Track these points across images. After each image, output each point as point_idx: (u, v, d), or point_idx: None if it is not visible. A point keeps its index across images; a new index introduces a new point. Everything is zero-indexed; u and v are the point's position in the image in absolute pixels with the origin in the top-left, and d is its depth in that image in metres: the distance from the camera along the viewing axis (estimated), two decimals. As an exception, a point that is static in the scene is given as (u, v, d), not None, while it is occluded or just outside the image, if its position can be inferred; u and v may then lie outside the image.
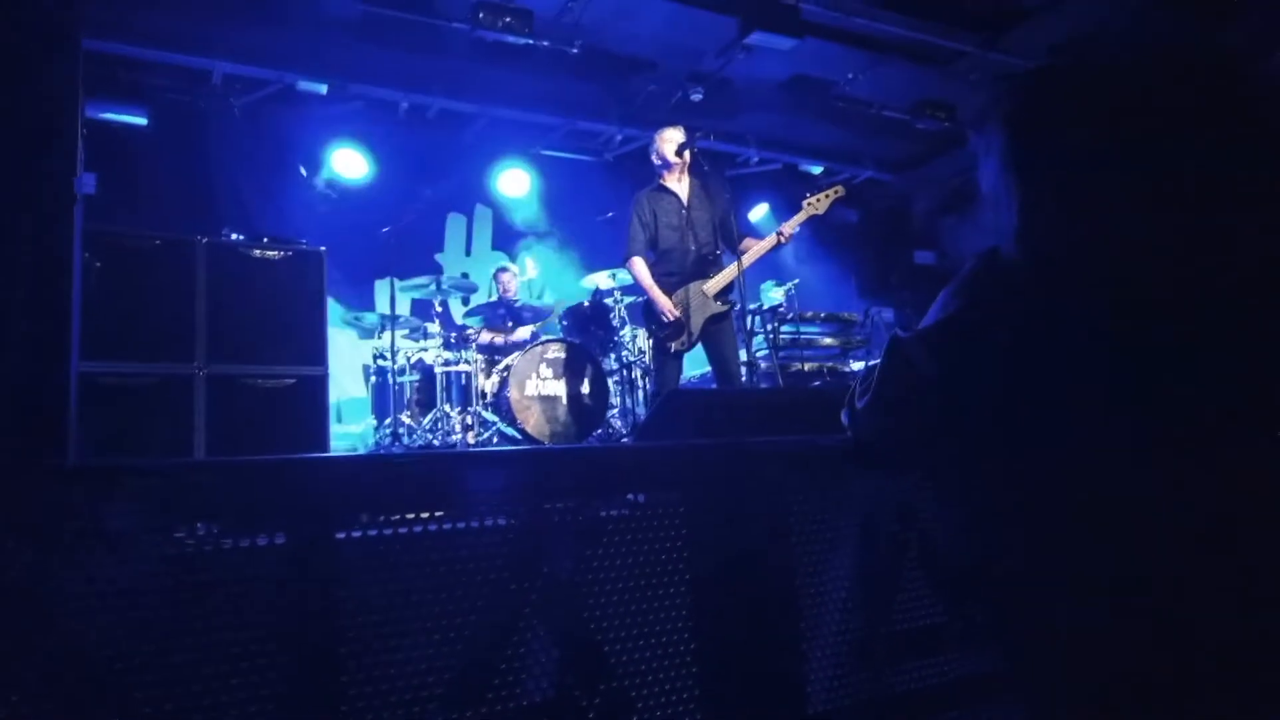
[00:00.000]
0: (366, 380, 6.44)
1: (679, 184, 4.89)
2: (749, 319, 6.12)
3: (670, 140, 4.86)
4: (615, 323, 5.80)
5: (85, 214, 3.07)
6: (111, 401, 3.67)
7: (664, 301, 4.69)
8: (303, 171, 6.90)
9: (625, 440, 5.65)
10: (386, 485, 1.38)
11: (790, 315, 6.56)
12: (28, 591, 1.10)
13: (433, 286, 6.16)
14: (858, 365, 6.80)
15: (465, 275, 6.82)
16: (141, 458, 3.59)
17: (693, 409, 2.40)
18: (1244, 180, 1.07)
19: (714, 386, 5.02)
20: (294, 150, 6.95)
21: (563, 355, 5.65)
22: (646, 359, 5.64)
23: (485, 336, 6.30)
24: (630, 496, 1.60)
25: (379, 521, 1.35)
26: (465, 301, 6.94)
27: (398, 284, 6.02)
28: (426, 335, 6.25)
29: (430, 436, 5.69)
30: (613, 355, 5.90)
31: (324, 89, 6.52)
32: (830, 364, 6.77)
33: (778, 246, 4.69)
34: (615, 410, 5.95)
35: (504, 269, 6.93)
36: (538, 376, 5.55)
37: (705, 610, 1.56)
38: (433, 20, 5.81)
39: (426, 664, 1.32)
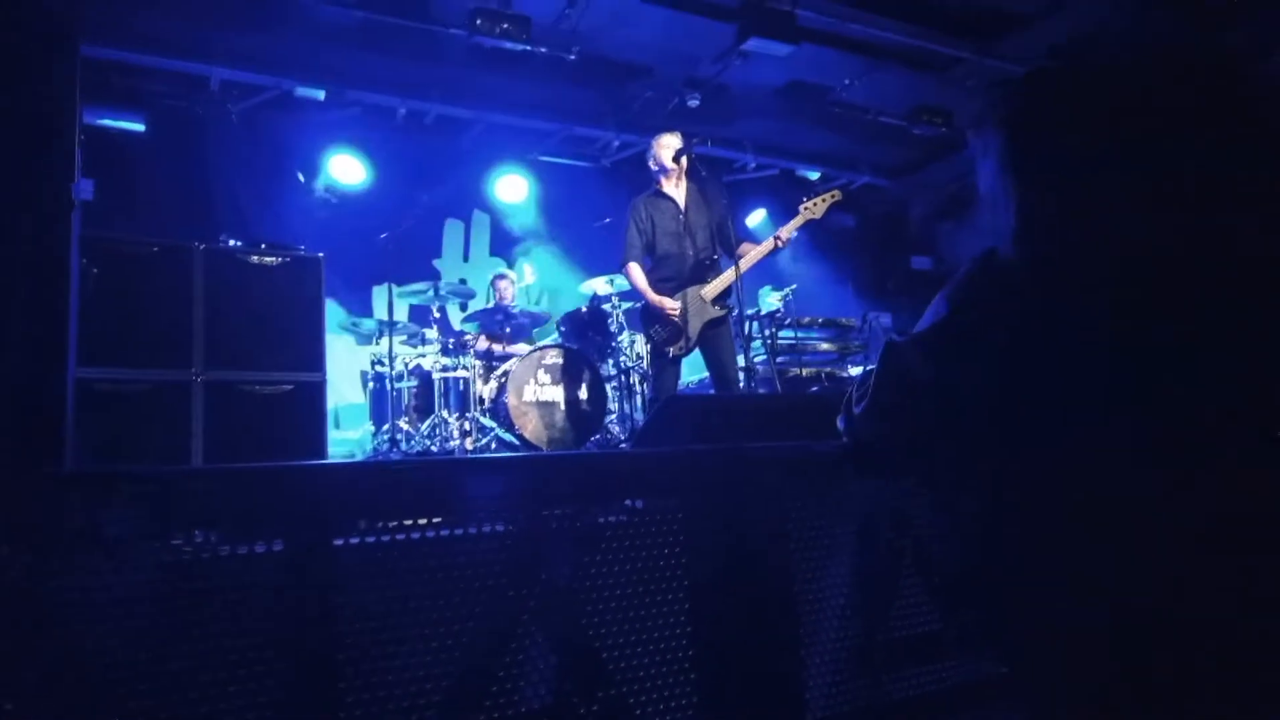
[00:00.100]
0: (364, 386, 6.43)
1: (676, 189, 4.89)
2: (747, 324, 6.13)
3: (667, 146, 4.86)
4: (613, 328, 5.80)
5: (83, 220, 3.07)
6: (108, 408, 3.66)
7: (664, 300, 4.70)
8: (300, 177, 6.90)
9: (623, 446, 5.65)
10: (384, 492, 1.38)
11: (788, 320, 6.57)
12: (24, 598, 1.10)
13: (430, 292, 6.15)
14: (856, 370, 6.80)
15: (463, 281, 6.82)
16: (138, 464, 3.58)
17: (690, 414, 2.40)
18: (1244, 180, 1.08)
19: (712, 392, 5.02)
20: (291, 156, 6.95)
21: (561, 361, 5.65)
22: (644, 364, 5.64)
23: (483, 343, 6.30)
24: (628, 502, 1.60)
25: (377, 528, 1.35)
26: (463, 307, 6.94)
27: (395, 290, 6.02)
28: (424, 341, 6.25)
29: (428, 442, 5.68)
30: (611, 361, 5.90)
31: (321, 95, 6.52)
32: (828, 369, 6.77)
33: (775, 251, 4.70)
34: (613, 416, 5.95)
35: (501, 275, 6.93)
36: (536, 382, 5.54)
37: (703, 616, 1.56)
38: (430, 26, 5.82)
39: (424, 671, 1.32)
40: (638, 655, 1.49)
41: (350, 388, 6.97)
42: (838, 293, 8.66)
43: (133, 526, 1.16)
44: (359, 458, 6.05)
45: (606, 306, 5.85)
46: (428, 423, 5.78)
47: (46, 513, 1.13)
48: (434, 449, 5.63)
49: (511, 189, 7.79)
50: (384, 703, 1.28)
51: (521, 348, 6.38)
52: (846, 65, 6.76)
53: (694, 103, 6.93)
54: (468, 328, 6.41)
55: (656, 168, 4.92)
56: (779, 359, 6.46)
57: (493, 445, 5.67)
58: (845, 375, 6.74)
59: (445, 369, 5.87)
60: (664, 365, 4.78)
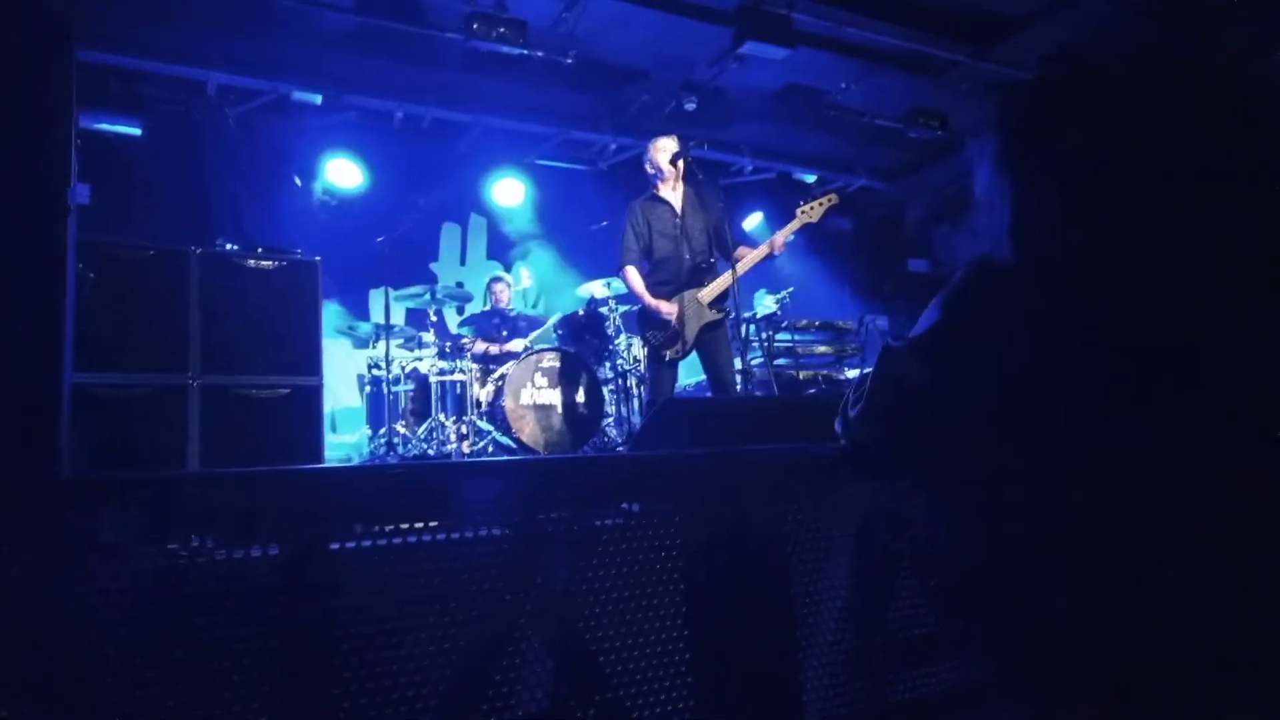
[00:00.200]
0: (361, 390, 6.43)
1: (673, 193, 4.90)
2: (744, 327, 6.13)
3: (664, 149, 4.87)
4: (610, 331, 5.80)
5: (79, 224, 3.06)
6: (105, 412, 3.66)
7: (661, 304, 4.70)
8: (297, 181, 6.91)
9: (620, 449, 5.65)
10: (381, 496, 1.38)
11: (785, 323, 6.57)
12: (19, 603, 1.09)
13: (427, 296, 6.15)
14: (853, 373, 6.80)
15: (460, 285, 6.82)
16: (135, 469, 3.58)
17: (688, 418, 2.40)
18: (1244, 180, 1.08)
19: (709, 395, 5.02)
20: (288, 160, 6.95)
21: (558, 364, 5.65)
22: (641, 367, 5.64)
23: (479, 346, 6.30)
24: (625, 506, 1.60)
25: (373, 532, 1.35)
26: (460, 311, 6.94)
27: (392, 293, 6.02)
28: (421, 345, 6.25)
29: (425, 446, 5.68)
30: (608, 364, 5.90)
31: (318, 99, 6.53)
32: (825, 372, 6.77)
33: (770, 256, 4.70)
34: (610, 419, 5.95)
35: (497, 279, 6.93)
36: (533, 385, 5.54)
37: (700, 620, 1.56)
38: (427, 31, 5.83)
39: (421, 675, 1.31)
40: (634, 659, 1.49)
41: (347, 391, 6.97)
42: (835, 295, 8.68)
43: (129, 531, 1.16)
44: (356, 462, 6.04)
45: (603, 310, 5.86)
46: (424, 426, 5.77)
47: (43, 517, 1.12)
48: (431, 452, 5.63)
49: (508, 192, 7.79)
50: (380, 707, 1.27)
51: (517, 344, 6.39)
52: (842, 68, 6.78)
53: (690, 106, 6.94)
54: (464, 331, 6.40)
55: (653, 171, 4.92)
56: (776, 361, 6.47)
57: (490, 448, 5.67)
58: (842, 378, 6.74)
59: (442, 372, 5.87)
60: (661, 368, 4.78)
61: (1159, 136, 1.10)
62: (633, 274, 4.85)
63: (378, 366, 6.00)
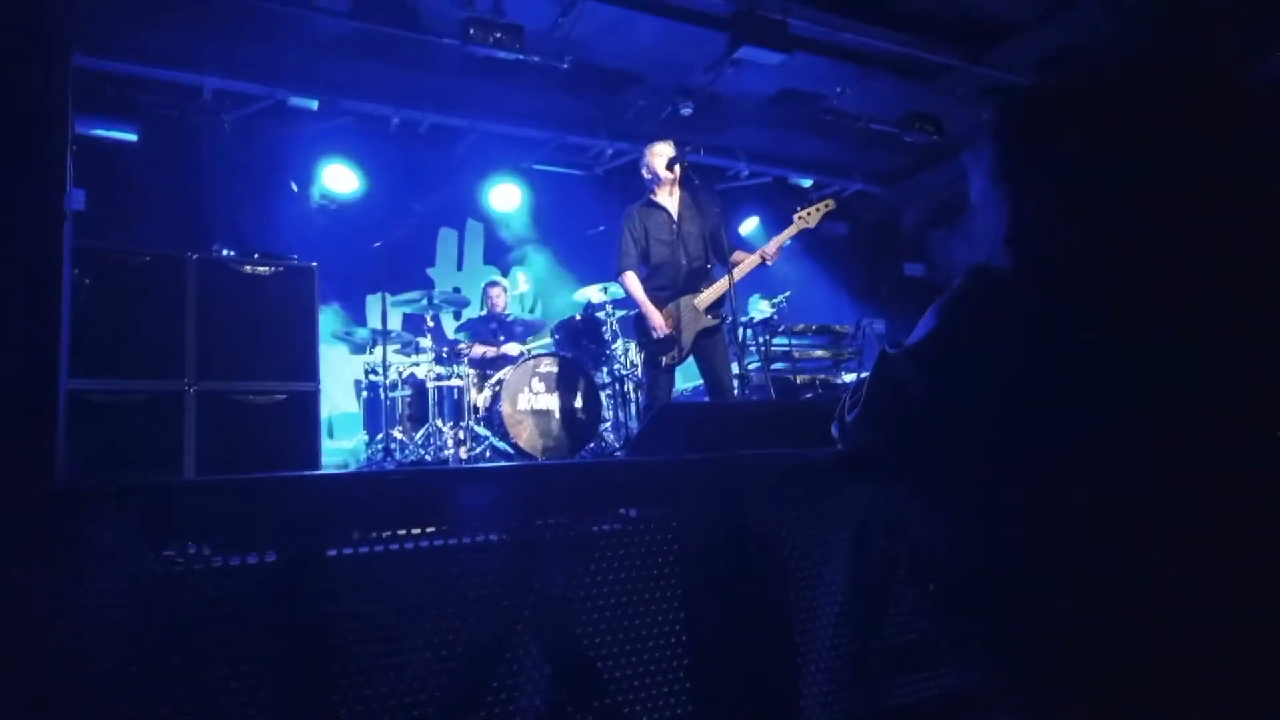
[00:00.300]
0: (358, 395, 6.41)
1: (669, 198, 4.90)
2: (741, 331, 6.14)
3: (660, 154, 4.87)
4: (607, 336, 5.80)
5: (75, 230, 3.05)
6: (101, 418, 3.64)
7: (656, 317, 4.70)
8: (294, 187, 6.91)
9: (618, 454, 5.64)
10: (378, 502, 1.38)
11: (782, 327, 6.57)
12: (16, 611, 1.09)
13: (424, 301, 6.15)
14: (850, 377, 6.81)
15: (457, 290, 6.82)
16: (131, 476, 3.57)
17: (685, 422, 2.40)
18: (1243, 180, 1.08)
19: (706, 400, 5.02)
20: (285, 166, 6.94)
21: (555, 369, 5.64)
22: (639, 372, 5.64)
23: (476, 351, 6.30)
24: (623, 511, 1.60)
25: (370, 538, 1.35)
26: (457, 316, 6.94)
27: (389, 299, 6.01)
28: (418, 350, 6.24)
29: (422, 452, 5.67)
30: (605, 369, 5.89)
31: (315, 104, 6.53)
32: (822, 376, 6.78)
33: (764, 264, 4.70)
34: (608, 424, 5.94)
35: (493, 284, 6.93)
36: (530, 391, 5.54)
37: (698, 624, 1.56)
38: (423, 36, 5.83)
39: (418, 681, 1.31)
40: (632, 664, 1.49)
41: (344, 397, 6.96)
42: (831, 299, 8.68)
43: (125, 538, 1.16)
44: (353, 467, 6.03)
45: (600, 314, 5.86)
46: (422, 432, 5.77)
47: (40, 524, 1.12)
48: (428, 458, 5.62)
49: (505, 197, 7.79)
50: (377, 713, 1.27)
51: (513, 347, 6.39)
52: (838, 73, 6.79)
53: (687, 111, 6.95)
54: (461, 336, 6.40)
55: (650, 176, 4.93)
56: (773, 366, 6.47)
57: (487, 454, 5.66)
58: (839, 382, 6.75)
59: (439, 378, 5.86)
60: (658, 373, 4.78)
61: (1157, 138, 1.10)
62: (632, 280, 4.85)
63: (375, 372, 5.99)
